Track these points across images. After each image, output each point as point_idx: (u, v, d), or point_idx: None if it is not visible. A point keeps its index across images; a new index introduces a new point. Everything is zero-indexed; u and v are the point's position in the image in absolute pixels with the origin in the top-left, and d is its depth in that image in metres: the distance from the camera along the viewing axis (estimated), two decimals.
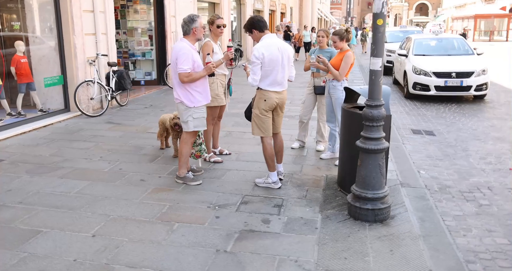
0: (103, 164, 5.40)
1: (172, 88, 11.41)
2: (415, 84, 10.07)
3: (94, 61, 8.25)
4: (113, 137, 6.70)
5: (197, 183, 4.71)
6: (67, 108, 8.11)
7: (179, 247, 3.42)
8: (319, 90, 5.75)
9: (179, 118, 5.35)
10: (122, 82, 8.83)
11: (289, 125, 7.38)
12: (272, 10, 25.51)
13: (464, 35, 19.66)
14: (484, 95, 10.24)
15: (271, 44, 4.30)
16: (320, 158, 5.67)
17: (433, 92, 9.87)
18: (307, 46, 21.47)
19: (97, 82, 8.16)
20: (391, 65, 14.27)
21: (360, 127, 4.19)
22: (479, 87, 9.80)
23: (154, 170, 5.18)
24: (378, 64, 3.67)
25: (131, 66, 11.83)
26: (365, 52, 26.60)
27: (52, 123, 7.41)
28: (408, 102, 10.19)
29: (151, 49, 11.71)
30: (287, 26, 22.51)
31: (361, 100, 4.79)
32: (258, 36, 4.37)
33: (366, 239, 3.59)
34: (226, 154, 5.80)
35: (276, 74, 4.33)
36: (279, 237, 3.60)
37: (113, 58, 9.02)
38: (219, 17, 5.22)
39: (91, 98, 8.14)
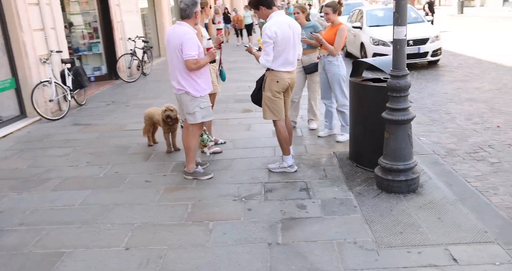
0: (94, 169, 4.92)
1: (127, 81, 10.88)
2: (375, 55, 10.23)
3: (47, 59, 7.49)
4: (88, 139, 6.15)
5: (208, 177, 4.43)
6: (23, 114, 7.33)
7: (227, 247, 3.17)
8: (309, 70, 5.58)
9: (171, 110, 5.00)
10: (79, 80, 8.13)
11: None
12: None
13: (431, 4, 20.02)
14: (438, 60, 10.64)
15: (282, 22, 4.05)
16: (318, 136, 5.56)
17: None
18: (249, 28, 20.58)
19: (54, 82, 7.43)
20: None
21: (375, 100, 4.12)
22: (434, 53, 10.16)
23: (154, 169, 4.81)
24: (402, 33, 3.56)
25: (77, 62, 10.96)
26: None
27: (11, 133, 6.66)
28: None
29: (98, 42, 10.91)
30: (226, 8, 22.02)
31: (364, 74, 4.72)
32: (266, 13, 4.11)
33: (409, 210, 3.54)
34: (222, 143, 5.53)
35: (288, 53, 4.11)
36: (324, 221, 3.46)
37: (66, 54, 8.27)
38: None
39: (49, 100, 7.42)
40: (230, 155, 5.11)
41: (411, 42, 9.96)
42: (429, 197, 3.75)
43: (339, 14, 5.18)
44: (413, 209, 3.56)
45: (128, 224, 3.58)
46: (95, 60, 11.13)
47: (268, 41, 3.98)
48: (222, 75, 5.21)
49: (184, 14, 4.14)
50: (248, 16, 20.67)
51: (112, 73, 11.08)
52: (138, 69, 11.40)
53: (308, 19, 5.72)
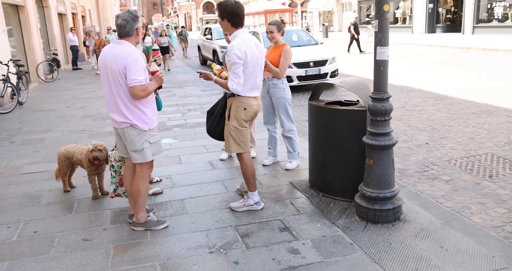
0: (0, 231, 3.76)
1: None
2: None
3: None
4: None
5: (164, 226, 3.67)
6: None
7: None
8: None
9: (100, 150, 4.13)
10: None
11: (202, 134, 6.60)
12: (73, 13, 22.90)
13: (307, 29, 20.87)
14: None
15: (249, 40, 3.57)
16: (263, 165, 5.13)
17: (296, 82, 10.19)
18: None
19: None
20: None
21: (347, 125, 3.88)
22: (333, 74, 10.54)
23: (86, 222, 3.85)
24: (385, 53, 3.35)
25: None
26: (186, 56, 22.96)
27: None
28: None
29: None
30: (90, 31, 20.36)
31: (322, 97, 4.47)
32: (230, 29, 3.58)
33: (408, 241, 3.30)
34: (158, 181, 4.76)
35: (256, 77, 3.63)
36: (330, 266, 3.01)
37: None
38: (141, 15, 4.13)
39: None
40: (175, 195, 4.38)
41: (311, 63, 10.20)
42: (416, 224, 3.57)
43: (283, 34, 4.87)
44: (410, 239, 3.33)
45: None
46: None
47: (238, 62, 3.46)
48: (158, 104, 4.47)
49: (123, 31, 3.40)
50: (113, 39, 17.75)
51: None
52: (12, 98, 9.71)
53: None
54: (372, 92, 3.50)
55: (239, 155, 3.82)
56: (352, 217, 3.73)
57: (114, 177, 3.98)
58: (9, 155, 6.10)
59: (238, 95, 3.62)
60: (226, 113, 3.74)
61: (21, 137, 7.08)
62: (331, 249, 3.23)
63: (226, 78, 3.71)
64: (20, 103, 9.84)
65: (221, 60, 15.05)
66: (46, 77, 14.63)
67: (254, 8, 49.21)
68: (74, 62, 18.00)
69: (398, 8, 32.01)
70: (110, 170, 4.01)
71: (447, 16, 28.51)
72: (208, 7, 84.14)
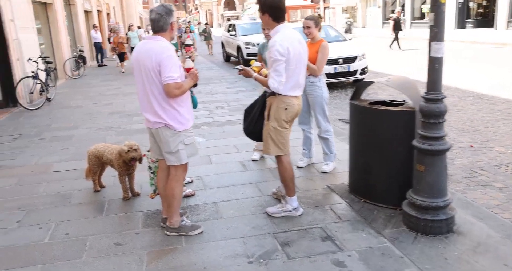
0: (32, 232, 3.65)
1: (28, 109, 9.10)
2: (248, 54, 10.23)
3: None
4: (6, 186, 4.73)
5: (199, 231, 3.49)
6: None
7: None
8: None
9: (136, 149, 3.98)
10: None
11: (231, 133, 6.41)
12: (98, 10, 23.04)
13: (397, 21, 19.31)
14: (364, 78, 10.76)
15: (292, 36, 3.35)
16: (297, 167, 4.89)
17: (324, 80, 9.88)
18: None
19: None
20: (256, 58, 14.14)
21: (393, 127, 3.62)
22: (362, 71, 10.23)
23: (118, 225, 3.70)
24: (441, 50, 3.08)
25: None
26: (211, 53, 21.92)
27: None
28: None
29: None
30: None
31: (364, 96, 4.21)
32: (270, 24, 3.37)
33: (466, 257, 3.02)
34: (188, 182, 4.58)
35: (298, 75, 3.41)
36: None
37: None
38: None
39: None
40: (207, 198, 4.20)
41: (340, 60, 9.90)
42: (472, 237, 3.28)
43: (320, 29, 4.63)
44: (468, 254, 3.05)
45: None
46: None
47: (280, 58, 3.24)
48: (193, 102, 4.29)
49: (157, 26, 3.22)
50: (134, 37, 16.40)
51: (9, 100, 9.28)
52: (41, 95, 9.71)
53: None
54: (425, 92, 3.23)
55: (277, 157, 3.61)
56: (399, 226, 3.47)
57: (153, 178, 3.84)
58: (39, 151, 6.03)
59: (279, 94, 3.40)
60: (266, 113, 3.53)
61: (50, 134, 7.03)
62: (380, 262, 2.99)
63: (266, 76, 3.51)
64: (48, 99, 9.85)
65: (245, 56, 14.99)
66: (73, 74, 14.70)
67: None
68: (100, 59, 18.06)
69: (424, 2, 31.19)
70: (148, 171, 3.86)
71: (479, 10, 27.57)
72: (229, 4, 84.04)
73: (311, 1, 45.53)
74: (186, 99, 3.32)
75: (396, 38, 19.05)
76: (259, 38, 14.31)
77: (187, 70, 3.33)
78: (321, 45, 4.51)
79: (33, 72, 9.45)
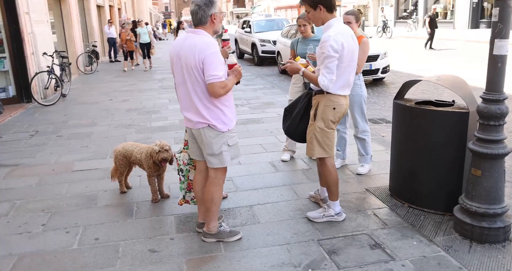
0: (59, 236, 3.46)
1: (43, 104, 8.93)
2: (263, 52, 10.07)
3: None
4: (27, 187, 4.55)
5: (238, 237, 3.28)
6: None
7: None
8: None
9: (167, 150, 3.78)
10: None
11: (255, 132, 6.19)
12: (110, 5, 22.88)
13: (433, 19, 18.26)
14: (384, 77, 10.53)
15: (346, 31, 3.13)
16: (358, 174, 4.59)
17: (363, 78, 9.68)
18: (147, 48, 14.88)
19: None
20: (272, 55, 13.97)
21: (441, 128, 3.39)
22: (384, 69, 9.99)
23: (150, 230, 3.51)
24: (505, 47, 2.85)
25: None
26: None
27: None
28: None
29: (3, 58, 8.90)
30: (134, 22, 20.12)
31: (408, 95, 3.99)
32: (324, 17, 3.14)
33: None
34: (224, 197, 4.36)
35: (349, 73, 3.19)
36: None
37: None
38: None
39: None
40: (241, 201, 3.99)
41: None
42: None
43: (359, 25, 4.41)
44: None
45: None
46: None
47: (333, 55, 3.02)
48: None
49: (196, 18, 3.00)
50: (144, 33, 15.07)
51: (23, 95, 9.12)
52: (56, 90, 9.55)
53: (313, 31, 4.89)
54: (484, 92, 3.01)
55: (321, 160, 3.39)
56: (451, 234, 3.26)
57: (183, 182, 3.62)
58: (58, 150, 5.85)
59: (327, 92, 3.18)
60: (312, 113, 3.31)
61: (67, 131, 6.85)
62: None
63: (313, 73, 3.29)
64: (63, 95, 9.69)
65: (260, 54, 14.76)
66: (85, 69, 14.55)
67: (286, 1, 48.49)
68: (114, 55, 17.87)
69: (437, 1, 30.80)
70: (178, 174, 3.65)
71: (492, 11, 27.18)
72: (238, 1, 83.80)
73: None
74: (230, 98, 3.10)
75: (431, 37, 17.72)
76: (275, 35, 14.11)
77: (230, 66, 3.11)
78: (361, 41, 4.29)
79: (48, 67, 9.29)
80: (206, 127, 3.01)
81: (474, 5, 26.99)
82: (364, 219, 3.56)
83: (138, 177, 4.61)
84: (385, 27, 27.71)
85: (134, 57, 15.33)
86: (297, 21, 4.76)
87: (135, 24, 16.22)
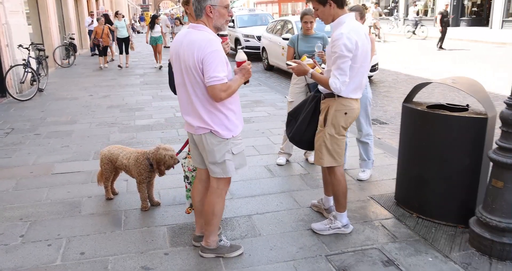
0: (40, 250, 3.11)
1: (19, 99, 8.41)
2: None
3: None
4: (3, 191, 4.16)
5: (239, 252, 3.01)
6: None
7: None
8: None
9: (172, 156, 3.49)
10: None
11: (246, 132, 5.90)
12: None
13: (445, 15, 17.20)
14: (372, 75, 10.38)
15: (359, 29, 2.87)
16: (358, 180, 4.35)
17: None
18: (125, 43, 13.47)
19: None
20: (256, 50, 13.67)
21: (455, 135, 3.19)
22: (373, 68, 9.81)
23: (140, 243, 3.19)
24: None
25: None
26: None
27: None
28: None
29: None
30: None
31: (417, 98, 3.77)
32: (334, 13, 2.88)
33: None
34: None
35: (363, 74, 2.94)
36: None
37: None
38: None
39: None
40: (238, 209, 3.72)
41: None
42: None
43: (364, 21, 4.17)
44: None
45: None
46: None
47: (347, 55, 2.76)
48: None
49: (194, 11, 2.71)
50: (121, 27, 13.52)
51: None
52: (32, 84, 9.05)
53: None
54: (509, 98, 2.80)
55: (330, 169, 3.14)
56: (467, 248, 3.06)
57: (190, 190, 3.32)
58: (36, 149, 5.45)
59: (338, 96, 2.93)
60: (321, 118, 3.04)
61: (46, 129, 6.43)
62: None
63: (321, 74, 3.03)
64: (40, 90, 9.18)
65: (244, 49, 14.44)
66: (63, 62, 13.96)
67: None
68: (93, 48, 17.20)
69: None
70: (184, 181, 3.36)
71: (473, 9, 27.51)
72: None
73: None
74: (235, 101, 2.79)
75: (443, 36, 16.80)
76: (259, 31, 13.82)
77: (239, 64, 2.79)
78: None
79: (24, 60, 8.77)
80: (208, 134, 2.72)
81: (454, 3, 27.21)
82: (372, 231, 3.33)
83: (124, 181, 4.29)
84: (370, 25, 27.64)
85: (109, 53, 14.50)
86: (302, 17, 4.47)
87: (107, 17, 15.12)
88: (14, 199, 3.99)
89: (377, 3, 23.23)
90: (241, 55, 2.78)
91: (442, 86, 9.06)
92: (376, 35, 19.84)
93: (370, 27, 19.54)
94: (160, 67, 13.03)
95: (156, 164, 3.50)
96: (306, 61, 3.23)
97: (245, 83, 2.81)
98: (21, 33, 9.53)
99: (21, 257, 3.03)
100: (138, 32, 33.30)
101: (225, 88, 2.57)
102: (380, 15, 21.03)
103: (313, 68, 3.12)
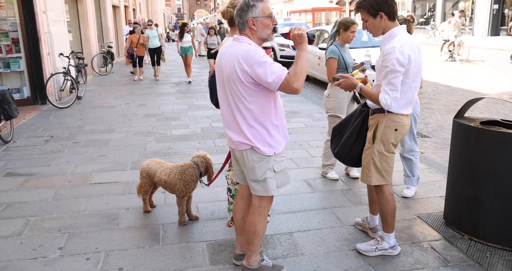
0: (78, 264, 3.08)
1: (58, 107, 8.59)
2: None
3: None
4: (42, 201, 4.19)
5: None
6: None
7: None
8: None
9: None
10: (6, 108, 5.98)
11: (290, 145, 5.76)
12: (125, 6, 22.67)
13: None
14: None
15: (412, 43, 2.73)
16: (403, 197, 4.15)
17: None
18: (157, 54, 13.02)
19: None
20: (291, 60, 13.55)
21: (508, 153, 2.97)
22: None
23: (179, 260, 3.11)
24: None
25: None
26: None
27: None
28: None
29: (18, 58, 8.60)
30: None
31: (469, 113, 3.55)
32: (385, 26, 2.75)
33: None
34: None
35: (414, 89, 2.79)
36: None
37: None
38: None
39: None
40: (279, 226, 3.59)
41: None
42: None
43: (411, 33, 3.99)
44: None
45: None
46: (14, 80, 8.82)
47: (399, 70, 2.62)
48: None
49: (237, 26, 2.62)
50: (153, 36, 13.04)
51: (38, 97, 8.81)
52: (71, 92, 9.24)
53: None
54: None
55: (378, 187, 2.98)
56: None
57: (232, 203, 3.25)
58: (75, 158, 5.50)
59: (388, 111, 2.78)
60: (370, 135, 2.90)
61: (84, 137, 6.51)
62: None
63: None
64: (78, 97, 9.37)
65: (278, 58, 14.35)
66: (100, 70, 14.27)
67: (300, 5, 47.95)
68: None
69: (455, 5, 30.19)
70: (227, 194, 3.29)
71: None
72: None
73: (337, 3, 44.71)
74: (279, 115, 2.65)
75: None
76: None
77: (288, 35, 2.59)
78: None
79: (64, 68, 8.97)
80: (249, 150, 2.61)
81: (494, 12, 26.40)
82: (421, 253, 3.14)
83: (162, 193, 4.24)
84: None
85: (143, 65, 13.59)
86: (349, 26, 4.30)
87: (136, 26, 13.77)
88: (53, 209, 4.00)
89: (463, 11, 18.42)
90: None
91: (486, 99, 8.69)
92: (450, 55, 15.72)
93: (445, 41, 16.40)
94: (190, 82, 12.06)
95: (205, 170, 3.56)
96: (357, 76, 3.09)
97: (310, 43, 2.54)
98: (62, 41, 9.77)
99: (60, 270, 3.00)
100: (173, 41, 33.85)
101: (293, 79, 2.41)
102: (463, 26, 16.71)
103: (363, 82, 2.98)
